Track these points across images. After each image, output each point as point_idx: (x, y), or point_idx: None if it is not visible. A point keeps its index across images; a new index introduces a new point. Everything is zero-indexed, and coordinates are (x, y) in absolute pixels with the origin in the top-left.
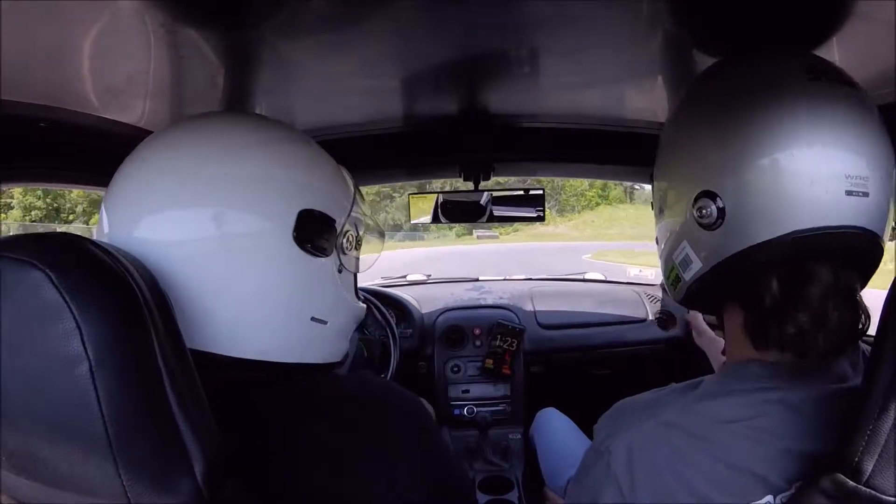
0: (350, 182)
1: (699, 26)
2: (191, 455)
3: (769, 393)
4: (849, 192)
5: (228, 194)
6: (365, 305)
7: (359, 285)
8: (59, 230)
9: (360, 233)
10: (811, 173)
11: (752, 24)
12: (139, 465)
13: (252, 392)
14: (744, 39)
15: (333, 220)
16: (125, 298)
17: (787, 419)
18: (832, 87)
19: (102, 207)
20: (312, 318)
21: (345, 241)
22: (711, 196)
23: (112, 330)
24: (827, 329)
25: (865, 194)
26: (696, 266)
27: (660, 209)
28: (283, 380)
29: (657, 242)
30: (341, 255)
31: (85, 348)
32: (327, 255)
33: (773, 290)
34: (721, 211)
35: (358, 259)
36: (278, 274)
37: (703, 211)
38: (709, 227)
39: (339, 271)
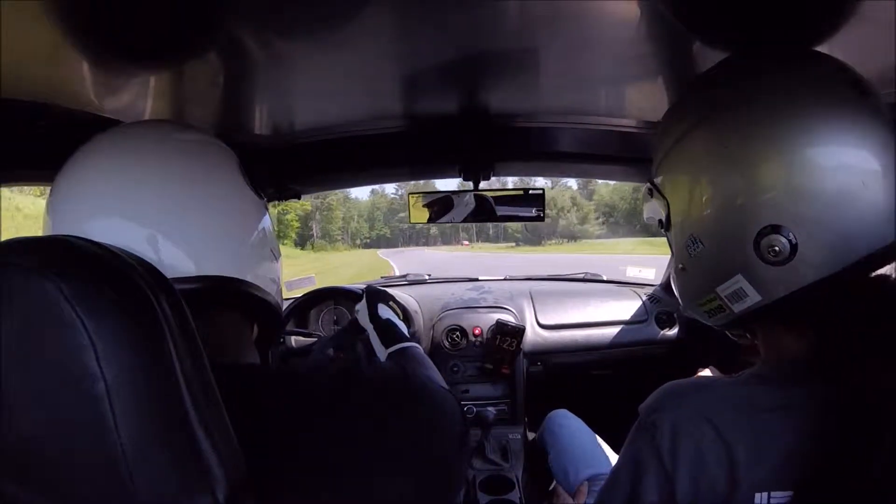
0: None
1: (700, 19)
2: (212, 474)
3: (805, 389)
4: None
5: (199, 161)
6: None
7: (359, 285)
8: None
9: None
10: (879, 192)
11: (756, 17)
12: (157, 487)
13: (249, 387)
14: (746, 33)
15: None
16: (142, 310)
17: (819, 415)
18: (879, 102)
19: (49, 204)
20: (271, 250)
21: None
22: (778, 229)
23: (129, 346)
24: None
25: None
26: (754, 299)
27: (693, 243)
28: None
29: (676, 266)
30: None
31: (100, 366)
32: (265, 199)
33: (844, 315)
34: (794, 247)
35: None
36: (249, 209)
37: (775, 248)
38: (778, 264)
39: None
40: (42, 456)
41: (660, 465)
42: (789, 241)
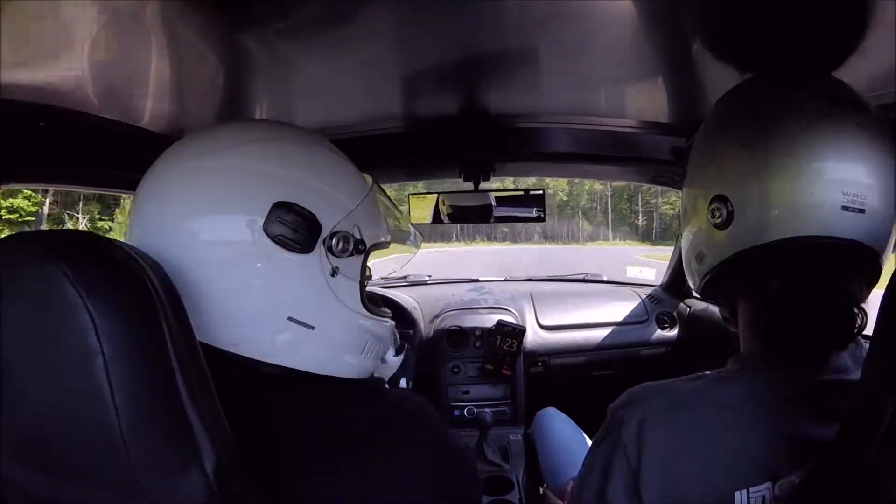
0: (366, 185)
1: (725, 45)
2: (201, 449)
3: (766, 382)
4: (845, 207)
5: (208, 189)
6: (391, 323)
7: None
8: None
9: (366, 237)
10: (812, 185)
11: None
12: (151, 458)
13: (256, 393)
14: (760, 54)
15: (314, 216)
16: (139, 294)
17: (785, 407)
18: (850, 113)
19: (132, 212)
20: (290, 319)
21: (336, 242)
22: (723, 200)
23: (126, 325)
24: (821, 326)
25: (861, 211)
26: (709, 260)
27: (685, 212)
28: (273, 384)
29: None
30: (330, 256)
31: (100, 342)
32: (305, 252)
33: (773, 287)
34: (730, 214)
35: (364, 266)
36: (250, 265)
37: (716, 213)
38: (720, 227)
39: (333, 275)
40: (45, 433)
41: (626, 462)
42: (727, 209)
